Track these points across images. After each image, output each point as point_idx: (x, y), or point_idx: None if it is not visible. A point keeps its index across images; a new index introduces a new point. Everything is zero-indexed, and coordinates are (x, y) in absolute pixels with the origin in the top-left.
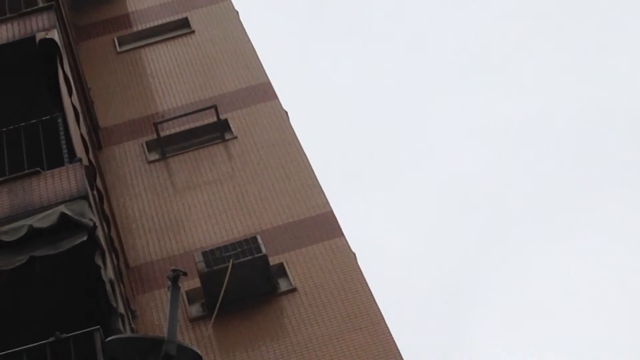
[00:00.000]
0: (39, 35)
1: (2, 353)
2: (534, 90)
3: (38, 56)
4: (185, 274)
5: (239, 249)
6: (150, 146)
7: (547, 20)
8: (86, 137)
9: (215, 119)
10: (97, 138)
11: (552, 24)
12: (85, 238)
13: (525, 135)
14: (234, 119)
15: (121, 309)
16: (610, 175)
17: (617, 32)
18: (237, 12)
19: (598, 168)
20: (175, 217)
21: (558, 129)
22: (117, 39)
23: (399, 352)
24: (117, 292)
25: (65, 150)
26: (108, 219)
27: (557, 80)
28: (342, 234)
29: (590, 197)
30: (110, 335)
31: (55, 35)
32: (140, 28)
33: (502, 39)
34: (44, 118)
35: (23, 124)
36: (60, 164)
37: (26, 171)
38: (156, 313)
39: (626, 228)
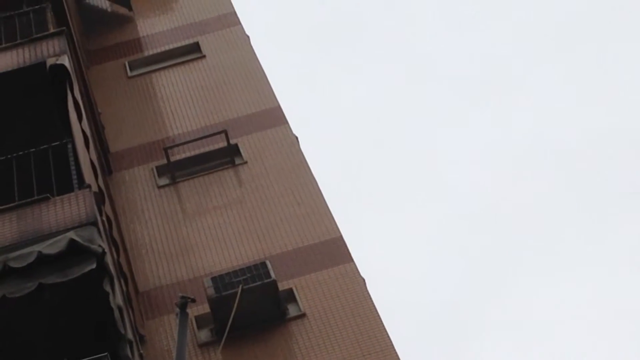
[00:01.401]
0: (50, 61)
1: None
2: (539, 113)
3: (48, 82)
4: (193, 300)
5: (248, 275)
6: (161, 171)
7: (550, 43)
8: (96, 163)
9: (225, 143)
10: (107, 163)
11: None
12: (94, 265)
13: (529, 157)
14: (244, 143)
15: (130, 335)
16: (616, 199)
17: (620, 54)
18: (248, 37)
19: (604, 190)
20: (184, 242)
21: (562, 151)
22: (128, 63)
23: None
24: (126, 318)
25: (75, 177)
26: (117, 245)
27: (561, 103)
28: (352, 259)
29: (597, 218)
30: None
31: (65, 60)
32: (151, 52)
33: (505, 62)
34: (53, 144)
35: (33, 149)
36: (70, 190)
37: (35, 197)
38: (165, 339)
39: (629, 252)
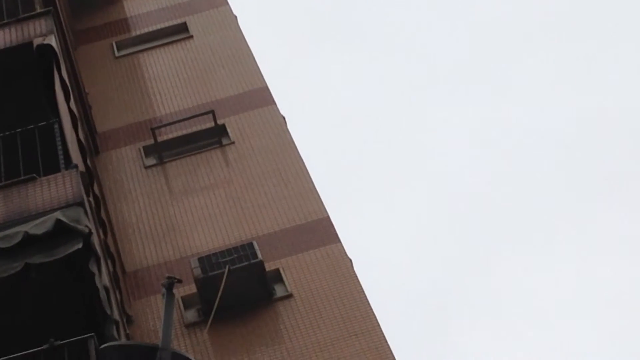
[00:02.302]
0: (37, 41)
1: None
2: (527, 102)
3: (35, 62)
4: (180, 281)
5: (235, 255)
6: (148, 151)
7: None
8: (83, 143)
9: (212, 124)
10: (94, 143)
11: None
12: (80, 245)
13: (518, 144)
14: (232, 124)
15: (116, 316)
16: (601, 184)
17: (612, 44)
18: (236, 17)
19: (591, 177)
20: (171, 222)
21: (550, 139)
22: (116, 43)
23: (394, 358)
24: (112, 298)
25: (62, 157)
26: (104, 225)
27: (549, 91)
28: (339, 240)
29: (583, 207)
30: (105, 342)
31: (52, 40)
32: (138, 32)
33: (495, 50)
34: (40, 124)
35: (19, 129)
36: (56, 170)
37: (22, 177)
38: (152, 319)
39: (616, 238)
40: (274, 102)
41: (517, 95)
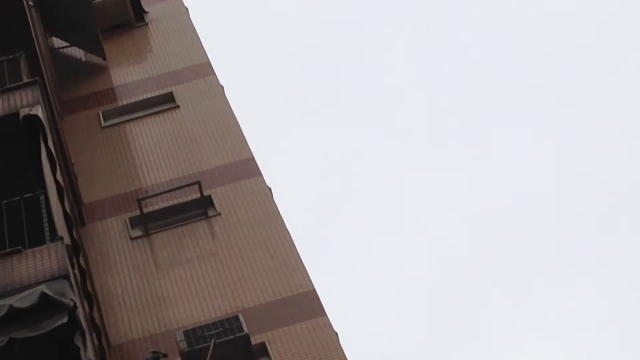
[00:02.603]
0: (23, 111)
1: None
2: (510, 165)
3: (22, 132)
4: (165, 355)
5: (221, 328)
6: (134, 222)
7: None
8: (69, 214)
9: (199, 195)
10: (80, 214)
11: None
12: (65, 320)
13: (500, 208)
14: (218, 195)
15: None
16: (584, 253)
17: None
18: (222, 87)
19: (572, 242)
20: (157, 294)
21: (533, 204)
22: (102, 113)
23: None
24: None
25: (47, 229)
26: (90, 297)
27: (533, 156)
28: (324, 313)
29: (563, 273)
30: None
31: (39, 111)
32: (125, 102)
33: (479, 113)
34: (25, 195)
35: (5, 201)
36: (42, 242)
37: (7, 250)
38: None
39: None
40: (260, 174)
41: (503, 159)
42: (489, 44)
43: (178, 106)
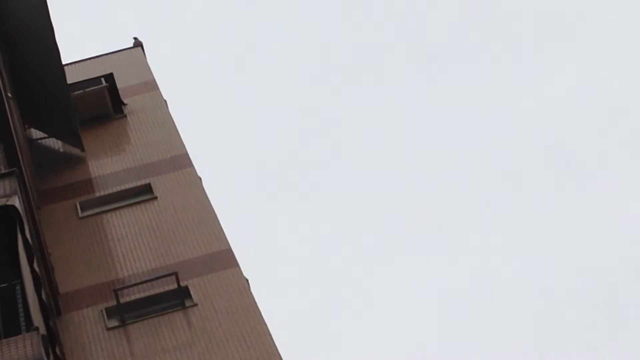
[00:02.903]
0: (0, 202)
1: None
2: (484, 253)
3: None
4: None
5: None
6: (110, 313)
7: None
8: (45, 304)
9: (175, 285)
10: (56, 304)
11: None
12: None
13: (472, 299)
14: (195, 286)
15: None
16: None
17: (576, 198)
18: (200, 179)
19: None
20: None
21: (508, 293)
22: (79, 203)
23: None
24: None
25: (23, 319)
26: None
27: (510, 243)
28: None
29: None
30: None
31: (16, 201)
32: (102, 193)
33: (453, 206)
34: (1, 285)
35: None
36: (18, 332)
37: None
38: None
39: None
40: (237, 265)
41: (478, 248)
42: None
43: (156, 197)
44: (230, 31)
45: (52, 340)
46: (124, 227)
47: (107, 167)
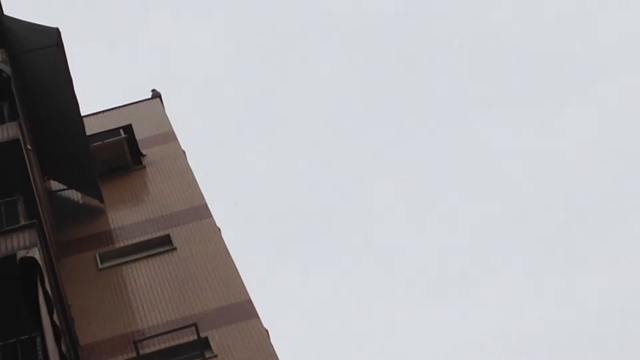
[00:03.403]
0: (20, 254)
1: None
2: (494, 306)
3: (18, 274)
4: None
5: None
6: None
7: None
8: (65, 356)
9: (195, 337)
10: (76, 356)
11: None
12: None
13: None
14: (215, 337)
15: None
16: None
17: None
18: (219, 229)
19: None
20: None
21: (518, 344)
22: (99, 255)
23: None
24: None
25: None
26: None
27: (516, 296)
28: None
29: None
30: None
31: (36, 253)
32: (122, 244)
33: (462, 258)
34: (22, 337)
35: (1, 343)
36: None
37: None
38: None
39: None
40: (257, 315)
41: (488, 301)
42: None
43: (175, 248)
44: (250, 82)
45: None
46: (144, 278)
47: (126, 218)
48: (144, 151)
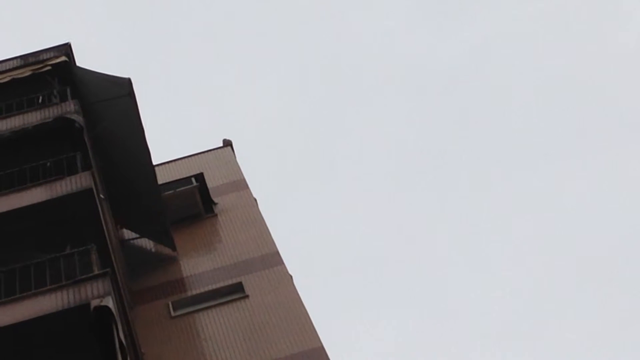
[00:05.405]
0: (94, 303)
1: None
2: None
3: (92, 323)
4: None
5: None
6: None
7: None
8: None
9: None
10: None
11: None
12: None
13: None
14: None
15: None
16: None
17: None
18: (291, 277)
19: None
20: None
21: None
22: (172, 303)
23: None
24: None
25: None
26: None
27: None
28: None
29: None
30: None
31: (110, 302)
32: (194, 292)
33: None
34: None
35: None
36: None
37: None
38: None
39: None
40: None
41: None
42: None
43: (247, 296)
44: (309, 132)
45: None
46: (216, 326)
47: (198, 266)
48: (215, 199)
